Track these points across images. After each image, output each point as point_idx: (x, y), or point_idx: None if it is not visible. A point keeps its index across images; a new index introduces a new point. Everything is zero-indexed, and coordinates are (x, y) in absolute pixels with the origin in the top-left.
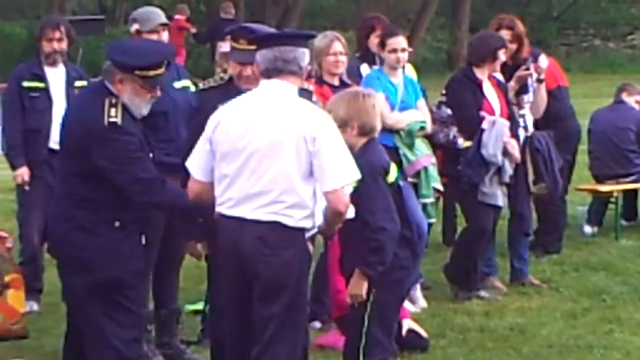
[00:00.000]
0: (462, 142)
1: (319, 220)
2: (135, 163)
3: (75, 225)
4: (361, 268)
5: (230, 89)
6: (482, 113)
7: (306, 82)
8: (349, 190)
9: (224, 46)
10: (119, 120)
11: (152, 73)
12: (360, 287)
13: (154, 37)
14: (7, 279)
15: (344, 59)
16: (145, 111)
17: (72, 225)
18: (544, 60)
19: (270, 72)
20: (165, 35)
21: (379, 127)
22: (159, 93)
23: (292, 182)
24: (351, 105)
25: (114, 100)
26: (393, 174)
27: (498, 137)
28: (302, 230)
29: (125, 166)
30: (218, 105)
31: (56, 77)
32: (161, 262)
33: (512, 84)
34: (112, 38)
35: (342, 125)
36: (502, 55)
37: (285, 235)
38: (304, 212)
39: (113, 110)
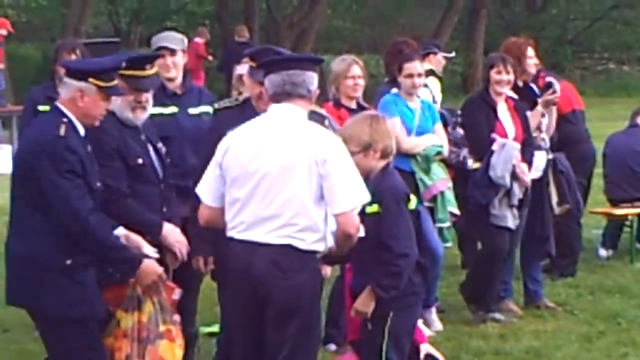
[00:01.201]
0: (472, 164)
1: (330, 242)
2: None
3: None
4: (374, 288)
5: (245, 110)
6: (493, 135)
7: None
8: (357, 211)
9: (240, 69)
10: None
11: (129, 73)
12: (368, 305)
13: (159, 60)
14: (162, 328)
15: (362, 82)
16: (129, 115)
17: None
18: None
19: (279, 96)
20: (172, 60)
21: (395, 150)
22: (144, 97)
23: (304, 205)
24: (374, 129)
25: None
26: (414, 200)
27: (507, 160)
28: (314, 253)
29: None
30: (233, 125)
31: None
32: (180, 285)
33: (539, 108)
34: None
35: (366, 148)
36: (497, 75)
37: (298, 259)
38: (315, 235)
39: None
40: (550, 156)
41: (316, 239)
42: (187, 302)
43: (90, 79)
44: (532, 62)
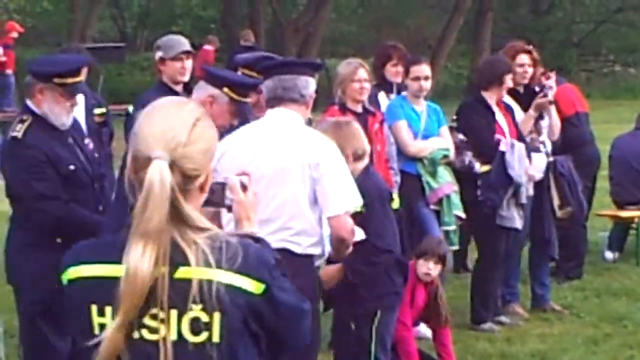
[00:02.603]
0: (479, 167)
1: (328, 247)
2: (34, 178)
3: (14, 247)
4: (347, 272)
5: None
6: (497, 136)
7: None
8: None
9: None
10: (19, 134)
11: (70, 80)
12: (332, 279)
13: (178, 64)
14: None
15: (368, 86)
16: (65, 120)
17: (12, 247)
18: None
19: (272, 101)
20: (188, 63)
21: (368, 149)
22: (77, 102)
23: (300, 208)
24: (337, 134)
25: (24, 117)
26: (396, 200)
27: (521, 158)
28: (311, 257)
29: (25, 181)
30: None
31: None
32: None
33: (531, 112)
34: (133, 65)
35: None
36: (509, 81)
37: (295, 263)
38: (311, 239)
39: (19, 126)
40: (551, 159)
41: (311, 242)
42: None
43: (226, 89)
44: (521, 69)
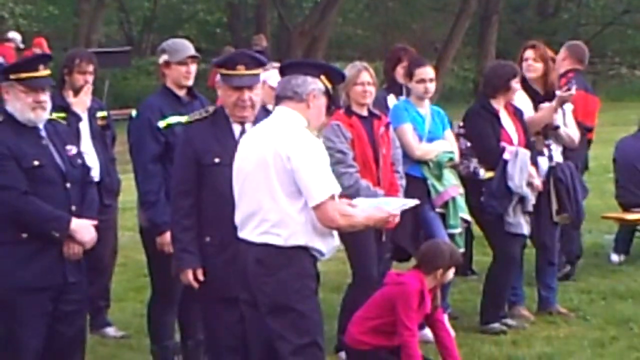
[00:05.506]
0: (484, 174)
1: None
2: None
3: None
4: None
5: (217, 121)
6: (502, 143)
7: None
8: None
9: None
10: None
11: (24, 75)
12: None
13: (183, 68)
14: None
15: (372, 89)
16: (31, 116)
17: None
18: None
19: (275, 99)
20: (193, 68)
21: None
22: (42, 97)
23: (276, 199)
24: None
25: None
26: None
27: (523, 168)
28: (296, 248)
29: None
30: (205, 137)
31: (80, 108)
32: (186, 293)
33: (553, 104)
34: (139, 69)
35: None
36: (516, 85)
37: (279, 256)
38: (288, 230)
39: None
40: (553, 164)
41: (290, 233)
42: (193, 309)
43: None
44: (525, 63)
